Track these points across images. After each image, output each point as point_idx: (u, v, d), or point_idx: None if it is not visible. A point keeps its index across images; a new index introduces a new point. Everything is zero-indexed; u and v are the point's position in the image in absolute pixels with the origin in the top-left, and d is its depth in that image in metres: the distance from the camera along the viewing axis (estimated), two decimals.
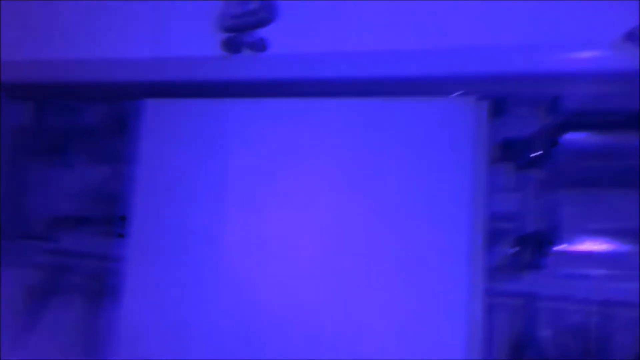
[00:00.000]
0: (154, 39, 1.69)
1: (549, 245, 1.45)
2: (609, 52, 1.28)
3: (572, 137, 1.45)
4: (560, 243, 1.46)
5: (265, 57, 1.56)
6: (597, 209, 1.45)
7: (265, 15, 1.55)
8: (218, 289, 1.57)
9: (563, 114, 1.43)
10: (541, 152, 1.45)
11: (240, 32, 1.58)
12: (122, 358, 1.64)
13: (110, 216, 1.88)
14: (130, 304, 1.67)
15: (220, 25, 1.60)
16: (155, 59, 1.69)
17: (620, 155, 1.43)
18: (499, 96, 1.42)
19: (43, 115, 1.99)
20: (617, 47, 1.27)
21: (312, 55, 1.51)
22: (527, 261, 1.46)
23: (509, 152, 1.46)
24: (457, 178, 1.36)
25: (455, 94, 1.39)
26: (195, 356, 1.55)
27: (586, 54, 1.30)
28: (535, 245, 1.46)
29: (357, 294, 1.41)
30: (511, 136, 1.46)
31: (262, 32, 1.56)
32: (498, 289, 1.45)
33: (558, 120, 1.44)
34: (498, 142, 1.45)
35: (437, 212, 1.38)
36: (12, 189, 1.94)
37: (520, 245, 1.47)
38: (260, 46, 1.56)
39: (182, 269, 1.62)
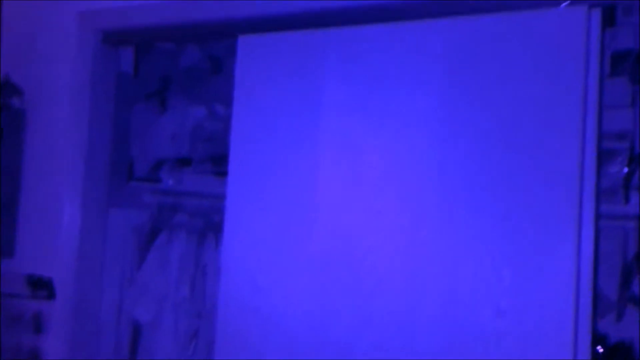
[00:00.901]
0: None
1: None
2: None
3: None
4: None
5: None
6: None
7: None
8: (316, 221, 1.58)
9: None
10: None
11: None
12: (227, 290, 1.70)
13: (211, 156, 1.93)
14: (232, 239, 1.72)
15: None
16: None
17: None
18: (611, 4, 1.33)
19: (142, 61, 2.05)
20: None
21: None
22: None
23: (622, 65, 1.38)
24: (567, 94, 1.30)
25: (564, 4, 1.32)
26: (298, 283, 1.58)
27: None
28: None
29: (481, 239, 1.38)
30: (625, 48, 1.37)
31: None
32: (609, 212, 1.38)
33: None
34: (610, 55, 1.37)
35: (546, 130, 1.32)
36: (118, 134, 2.02)
37: (633, 165, 1.39)
38: None
39: (281, 204, 1.64)
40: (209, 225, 1.91)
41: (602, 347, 1.36)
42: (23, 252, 1.96)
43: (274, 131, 1.68)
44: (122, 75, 2.04)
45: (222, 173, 1.81)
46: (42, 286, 1.89)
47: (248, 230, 1.70)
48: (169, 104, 2.02)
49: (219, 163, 1.88)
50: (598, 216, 1.33)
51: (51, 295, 1.87)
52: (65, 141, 1.93)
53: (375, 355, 1.45)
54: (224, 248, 1.73)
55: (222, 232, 1.74)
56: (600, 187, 1.35)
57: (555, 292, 1.29)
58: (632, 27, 1.35)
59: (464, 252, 1.38)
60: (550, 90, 1.32)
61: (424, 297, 1.41)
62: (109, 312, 1.98)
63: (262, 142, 1.69)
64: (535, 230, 1.32)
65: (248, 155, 1.72)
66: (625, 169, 1.40)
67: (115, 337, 1.99)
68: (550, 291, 1.30)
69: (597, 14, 1.29)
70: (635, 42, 1.36)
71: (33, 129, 2.00)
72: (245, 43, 1.74)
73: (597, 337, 1.35)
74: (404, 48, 1.49)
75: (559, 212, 1.31)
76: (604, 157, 1.37)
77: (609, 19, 1.35)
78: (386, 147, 1.52)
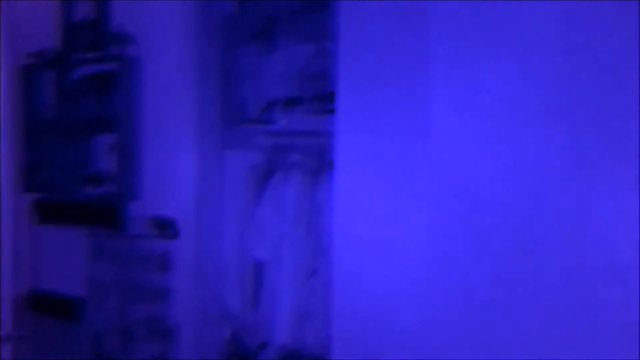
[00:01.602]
0: None
1: None
2: None
3: None
4: None
5: None
6: None
7: None
8: (428, 154, 1.51)
9: None
10: None
11: None
12: (341, 227, 1.68)
13: (321, 94, 1.90)
14: (343, 176, 1.69)
15: None
16: None
17: None
18: None
19: (246, 1, 2.03)
20: None
21: None
22: None
23: None
24: None
25: None
26: (412, 218, 1.53)
27: None
28: None
29: None
30: None
31: None
32: None
33: None
34: None
35: None
36: (227, 77, 2.03)
37: None
38: None
39: (391, 139, 1.59)
40: (322, 164, 1.90)
41: None
42: (147, 195, 2.04)
43: (381, 65, 1.61)
44: (228, 16, 2.03)
45: (331, 110, 1.78)
46: (166, 227, 1.96)
47: (359, 166, 1.66)
48: (276, 43, 1.99)
49: (329, 101, 1.85)
50: None
51: (175, 234, 1.95)
52: (177, 86, 1.97)
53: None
54: (336, 185, 1.71)
55: (333, 170, 1.72)
56: None
57: None
58: None
59: None
60: None
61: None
62: (230, 251, 2.04)
63: (369, 77, 1.63)
64: None
65: (355, 91, 1.67)
66: None
67: (237, 275, 2.04)
68: None
69: None
70: None
71: (148, 76, 2.05)
72: None
73: None
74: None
75: None
76: None
77: None
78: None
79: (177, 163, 1.96)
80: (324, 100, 1.88)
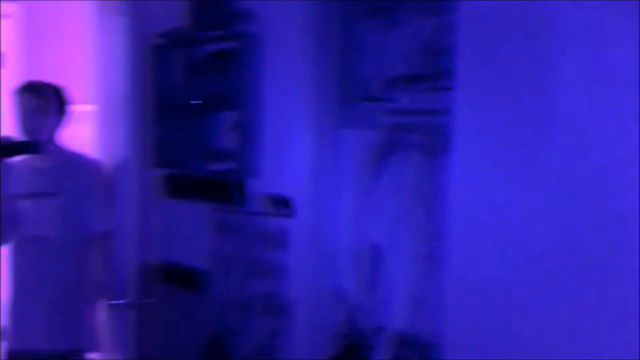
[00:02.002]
0: None
1: None
2: None
3: None
4: None
5: None
6: None
7: None
8: (552, 134, 1.39)
9: None
10: None
11: None
12: (458, 211, 1.60)
13: (441, 71, 1.81)
14: (462, 157, 1.60)
15: None
16: None
17: None
18: None
19: None
20: None
21: None
22: None
23: None
24: None
25: None
26: (533, 203, 1.43)
27: None
28: None
29: None
30: None
31: None
32: None
33: None
34: None
35: None
36: (347, 53, 1.98)
37: None
38: None
39: (512, 121, 1.48)
40: (442, 144, 1.81)
41: None
42: (266, 172, 2.06)
43: (503, 40, 1.50)
44: None
45: (450, 88, 1.69)
46: (282, 205, 1.97)
47: (478, 148, 1.57)
48: (396, 19, 1.92)
49: (451, 78, 1.75)
50: None
51: (290, 213, 1.95)
52: (295, 63, 1.95)
53: None
54: (454, 167, 1.62)
55: (451, 150, 1.64)
56: None
57: None
58: None
59: None
60: None
61: None
62: (345, 232, 2.00)
63: (491, 54, 1.53)
64: None
65: (476, 67, 1.57)
66: None
67: (352, 256, 2.01)
68: None
69: None
70: None
71: (268, 53, 2.05)
72: None
73: None
74: None
75: None
76: None
77: None
78: None
79: (294, 141, 1.95)
80: (446, 77, 1.79)
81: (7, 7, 4.06)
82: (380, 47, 1.95)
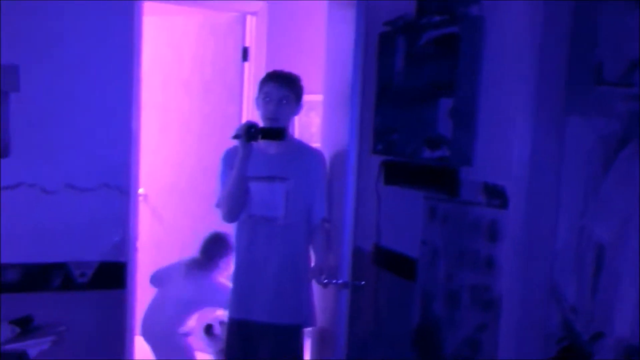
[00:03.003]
0: None
1: None
2: None
3: None
4: None
5: None
6: None
7: None
8: None
9: None
10: None
11: None
12: None
13: None
14: None
15: None
16: None
17: None
18: None
19: None
20: None
21: None
22: None
23: None
24: None
25: None
26: None
27: None
28: None
29: None
30: None
31: None
32: None
33: None
34: None
35: None
36: (580, 35, 1.83)
37: None
38: None
39: None
40: None
41: None
42: (480, 161, 1.98)
43: None
44: None
45: None
46: (496, 195, 1.88)
47: None
48: None
49: None
50: None
51: (504, 204, 1.85)
52: (520, 47, 1.84)
53: None
54: None
55: None
56: None
57: None
58: None
59: None
60: None
61: None
62: (566, 228, 1.85)
63: None
64: None
65: None
66: None
67: (574, 254, 1.85)
68: None
69: None
70: None
71: (490, 37, 1.97)
72: None
73: None
74: None
75: None
76: None
77: None
78: None
79: (512, 129, 1.85)
80: None
81: (254, 5, 4.43)
82: (623, 28, 1.76)
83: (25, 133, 2.69)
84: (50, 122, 2.74)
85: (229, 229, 3.22)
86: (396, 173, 2.45)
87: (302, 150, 3.00)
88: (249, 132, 2.71)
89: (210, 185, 4.39)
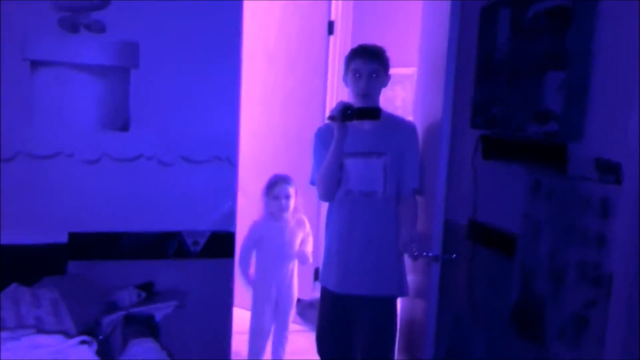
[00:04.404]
0: None
1: None
2: None
3: None
4: None
5: None
6: None
7: None
8: None
9: None
10: None
11: None
12: None
13: None
14: None
15: None
16: None
17: None
18: None
19: None
20: None
21: None
22: None
23: None
24: None
25: None
26: None
27: None
28: None
29: None
30: None
31: None
32: None
33: None
34: None
35: None
36: None
37: None
38: None
39: None
40: None
41: None
42: (593, 135, 1.94)
43: None
44: None
45: None
46: (609, 170, 1.84)
47: None
48: None
49: None
50: None
51: (618, 180, 1.82)
52: (635, 16, 1.79)
53: None
54: None
55: None
56: None
57: None
58: None
59: None
60: None
61: None
62: None
63: None
64: None
65: None
66: None
67: None
68: None
69: None
70: None
71: (605, 6, 1.92)
72: None
73: None
74: None
75: None
76: None
77: None
78: None
79: (630, 103, 1.80)
80: None
81: None
82: None
83: (144, 108, 2.82)
84: (167, 98, 2.85)
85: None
86: (497, 147, 2.43)
87: (395, 124, 3.00)
88: (345, 114, 2.73)
89: (292, 158, 4.46)
